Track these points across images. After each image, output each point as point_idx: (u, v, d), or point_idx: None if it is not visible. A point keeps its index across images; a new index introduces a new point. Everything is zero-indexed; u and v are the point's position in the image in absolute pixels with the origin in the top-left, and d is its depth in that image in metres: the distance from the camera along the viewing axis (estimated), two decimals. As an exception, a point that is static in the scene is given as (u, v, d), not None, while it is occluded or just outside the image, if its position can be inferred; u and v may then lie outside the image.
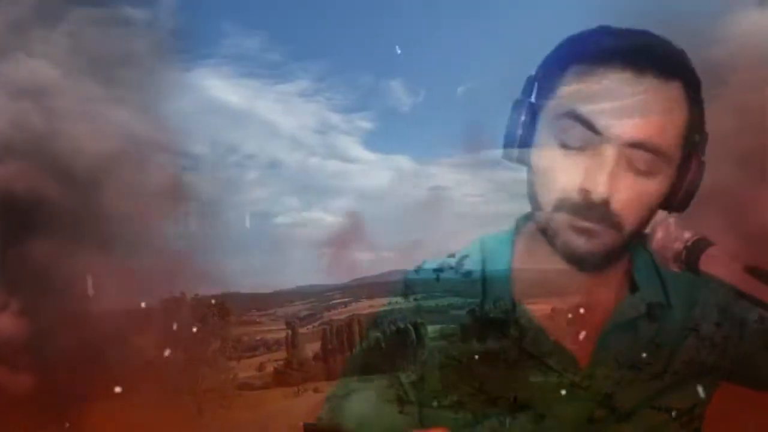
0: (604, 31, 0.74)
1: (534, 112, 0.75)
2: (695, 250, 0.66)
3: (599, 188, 0.69)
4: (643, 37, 0.73)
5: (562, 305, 0.76)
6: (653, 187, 0.71)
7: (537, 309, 0.77)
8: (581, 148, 0.70)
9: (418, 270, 0.85)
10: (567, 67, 0.73)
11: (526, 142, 0.75)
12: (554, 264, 0.75)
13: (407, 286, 0.83)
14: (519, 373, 0.75)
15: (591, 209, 0.69)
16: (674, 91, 0.71)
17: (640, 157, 0.70)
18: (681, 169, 0.74)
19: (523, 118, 0.74)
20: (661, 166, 0.71)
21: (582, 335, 0.76)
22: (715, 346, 0.80)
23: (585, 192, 0.69)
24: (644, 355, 0.77)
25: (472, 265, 0.81)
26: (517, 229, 0.82)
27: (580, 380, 0.75)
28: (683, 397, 0.78)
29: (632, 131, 0.69)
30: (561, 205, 0.71)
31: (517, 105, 0.76)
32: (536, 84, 0.76)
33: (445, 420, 0.76)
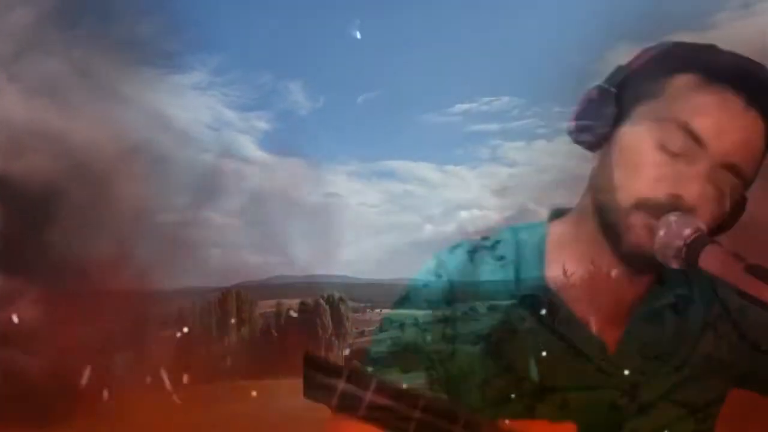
0: (714, 49, 0.77)
1: (616, 101, 0.76)
2: (695, 247, 0.66)
3: (691, 198, 0.71)
4: (754, 66, 0.75)
5: (594, 293, 0.78)
6: (723, 208, 0.75)
7: (569, 296, 0.78)
8: (679, 155, 0.72)
9: (452, 249, 0.85)
10: (678, 72, 0.74)
11: (601, 131, 0.77)
12: (587, 255, 0.78)
13: (439, 264, 0.83)
14: (547, 356, 0.76)
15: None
16: (764, 126, 0.74)
17: (727, 178, 0.73)
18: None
19: (605, 106, 0.76)
20: (737, 191, 0.75)
21: (612, 323, 0.78)
22: (731, 344, 0.81)
23: (676, 198, 0.71)
24: (668, 346, 0.79)
25: (505, 250, 0.82)
26: (550, 221, 0.84)
27: (607, 366, 0.77)
28: (700, 392, 0.80)
29: (732, 153, 0.72)
30: (643, 204, 0.72)
31: (601, 91, 0.77)
32: (628, 76, 0.77)
33: (474, 397, 0.76)
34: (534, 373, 0.75)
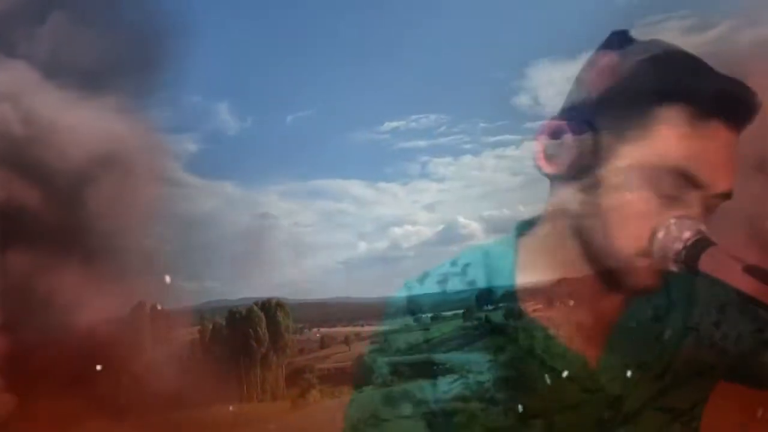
0: (696, 70, 0.71)
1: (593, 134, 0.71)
2: (695, 250, 0.66)
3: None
4: (741, 90, 0.70)
5: (570, 310, 0.76)
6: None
7: (544, 315, 0.76)
8: (675, 198, 0.69)
9: (421, 279, 0.82)
10: (661, 104, 0.69)
11: (578, 167, 0.71)
12: (560, 270, 0.75)
13: (411, 303, 0.80)
14: (528, 381, 0.75)
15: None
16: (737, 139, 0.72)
17: (718, 202, 0.71)
18: None
19: (581, 142, 0.71)
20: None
21: (590, 338, 0.76)
22: (713, 345, 0.80)
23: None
24: (649, 355, 0.77)
25: (475, 273, 0.80)
26: (518, 237, 0.81)
27: (591, 384, 0.76)
28: (684, 396, 0.79)
29: (725, 184, 0.70)
30: (646, 253, 0.69)
31: (572, 125, 0.72)
32: (595, 105, 0.72)
33: None
34: (518, 403, 0.74)
